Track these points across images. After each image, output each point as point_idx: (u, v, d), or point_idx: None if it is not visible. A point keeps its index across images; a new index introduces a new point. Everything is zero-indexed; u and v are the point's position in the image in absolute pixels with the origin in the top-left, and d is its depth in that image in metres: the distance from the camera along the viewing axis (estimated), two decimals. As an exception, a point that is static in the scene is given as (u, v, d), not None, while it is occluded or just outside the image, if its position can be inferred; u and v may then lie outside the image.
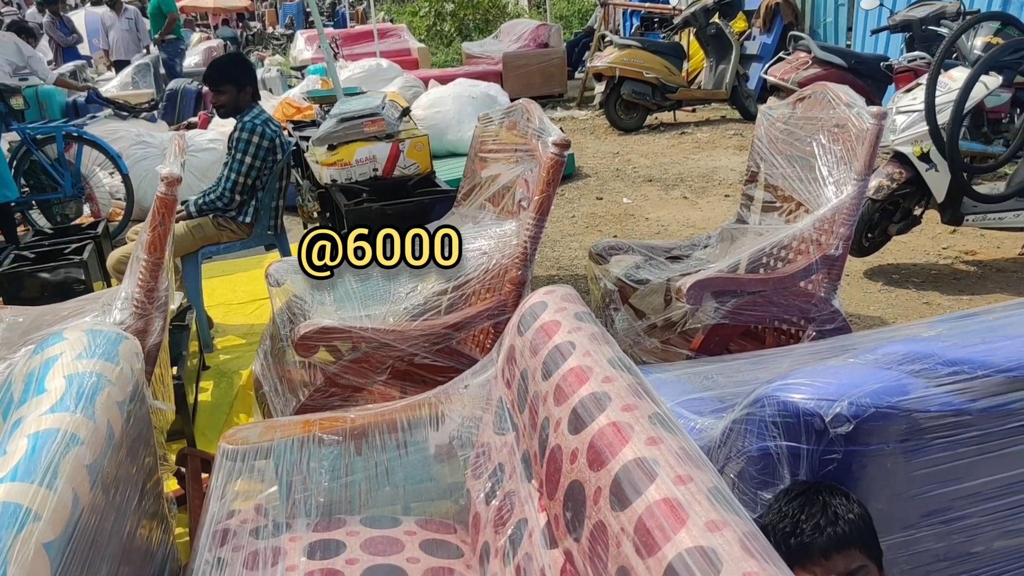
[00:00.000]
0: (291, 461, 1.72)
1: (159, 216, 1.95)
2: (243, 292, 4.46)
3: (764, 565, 0.89)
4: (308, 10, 9.77)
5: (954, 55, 4.48)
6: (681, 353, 2.48)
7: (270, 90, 8.93)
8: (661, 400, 1.25)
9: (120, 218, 5.68)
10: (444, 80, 7.94)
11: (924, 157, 3.96)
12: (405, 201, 3.30)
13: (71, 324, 2.17)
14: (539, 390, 1.43)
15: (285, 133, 4.33)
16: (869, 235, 4.19)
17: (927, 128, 3.86)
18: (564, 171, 2.17)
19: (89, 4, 14.40)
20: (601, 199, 6.02)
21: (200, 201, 3.65)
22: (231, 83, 3.61)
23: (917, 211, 4.21)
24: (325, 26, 12.50)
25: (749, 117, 8.19)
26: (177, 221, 3.53)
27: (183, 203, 3.68)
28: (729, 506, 1.00)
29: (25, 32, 7.77)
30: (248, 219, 3.70)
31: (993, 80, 4.10)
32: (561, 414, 1.32)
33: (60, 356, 1.49)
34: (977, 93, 3.97)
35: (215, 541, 1.65)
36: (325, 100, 4.79)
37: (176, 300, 3.04)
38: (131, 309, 1.93)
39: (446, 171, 5.06)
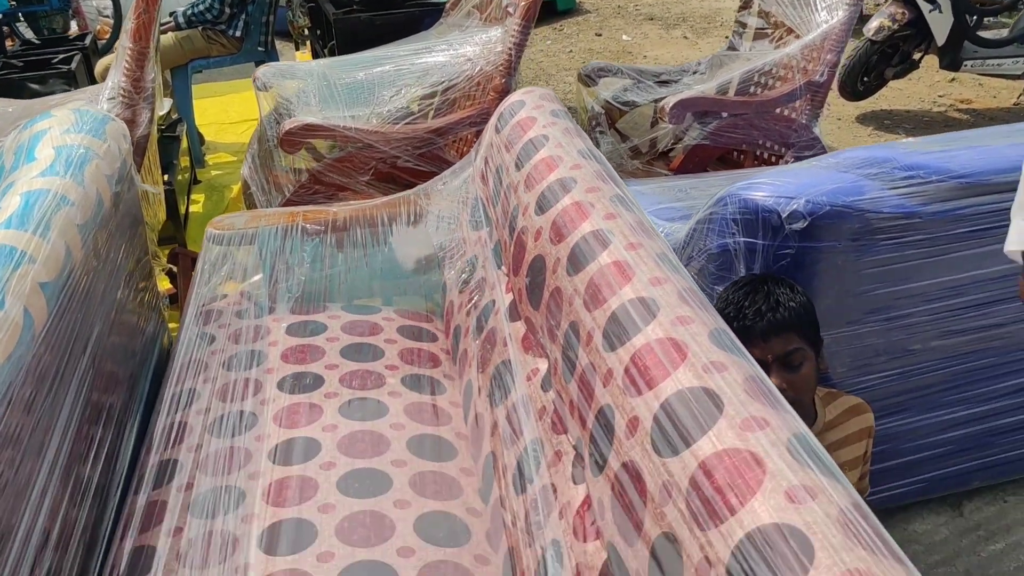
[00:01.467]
0: (274, 249, 1.80)
1: (143, 4, 1.94)
2: (235, 112, 4.45)
3: (698, 312, 0.98)
4: None
5: None
6: (662, 174, 2.54)
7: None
8: (624, 184, 1.31)
9: (108, 36, 5.56)
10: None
11: (928, -3, 3.89)
12: (394, 12, 3.24)
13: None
14: (511, 181, 1.49)
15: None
16: (865, 79, 4.16)
17: (933, -34, 3.77)
18: (564, 5, 2.15)
19: None
20: (600, 35, 5.90)
21: (189, 12, 3.59)
22: None
23: (916, 55, 4.16)
24: None
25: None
26: (165, 32, 3.49)
27: (171, 14, 3.62)
28: (673, 268, 1.07)
29: None
30: (238, 33, 3.64)
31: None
32: (530, 199, 1.38)
33: (48, 130, 1.54)
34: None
35: (202, 319, 1.75)
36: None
37: (166, 106, 3.05)
38: (118, 98, 1.96)
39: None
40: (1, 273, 1.09)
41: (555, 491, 1.10)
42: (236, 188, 3.56)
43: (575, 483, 1.07)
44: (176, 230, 2.96)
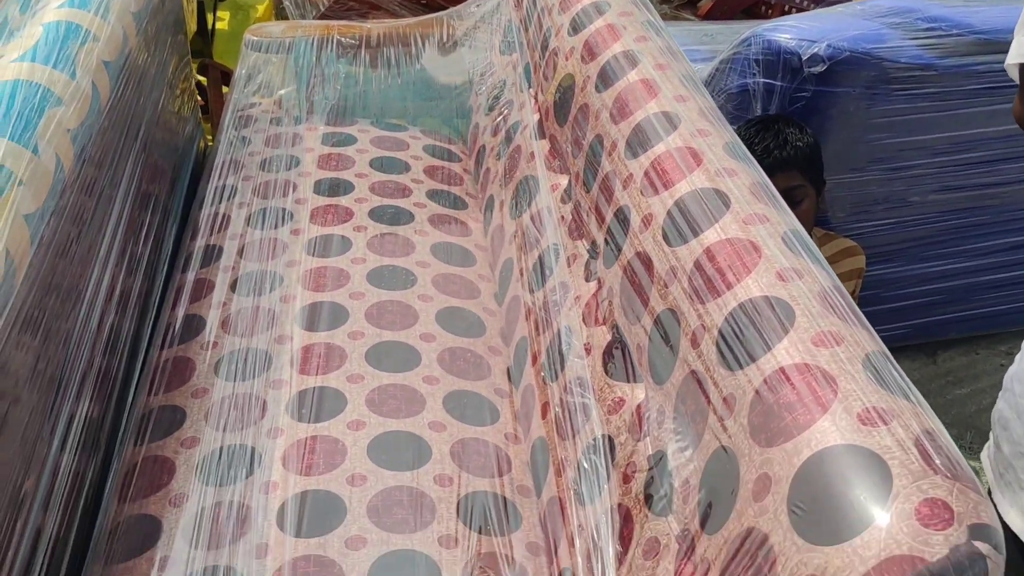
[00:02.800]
0: (309, 60, 1.86)
1: None
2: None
3: (716, 126, 1.06)
4: None
5: None
6: (690, 20, 2.55)
7: None
8: (655, 11, 1.36)
9: None
10: None
11: None
12: None
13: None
14: (546, 3, 1.54)
15: None
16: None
17: None
18: None
19: None
20: None
21: None
22: None
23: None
24: None
25: None
26: None
27: None
28: (696, 89, 1.15)
29: None
30: None
31: None
32: (564, 20, 1.43)
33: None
34: None
35: (241, 123, 1.84)
36: None
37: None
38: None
39: None
40: (71, 47, 1.17)
41: (565, 288, 1.22)
42: (262, 8, 3.54)
43: (587, 281, 1.19)
44: (204, 44, 2.99)
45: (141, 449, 1.15)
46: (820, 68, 1.51)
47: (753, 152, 1.49)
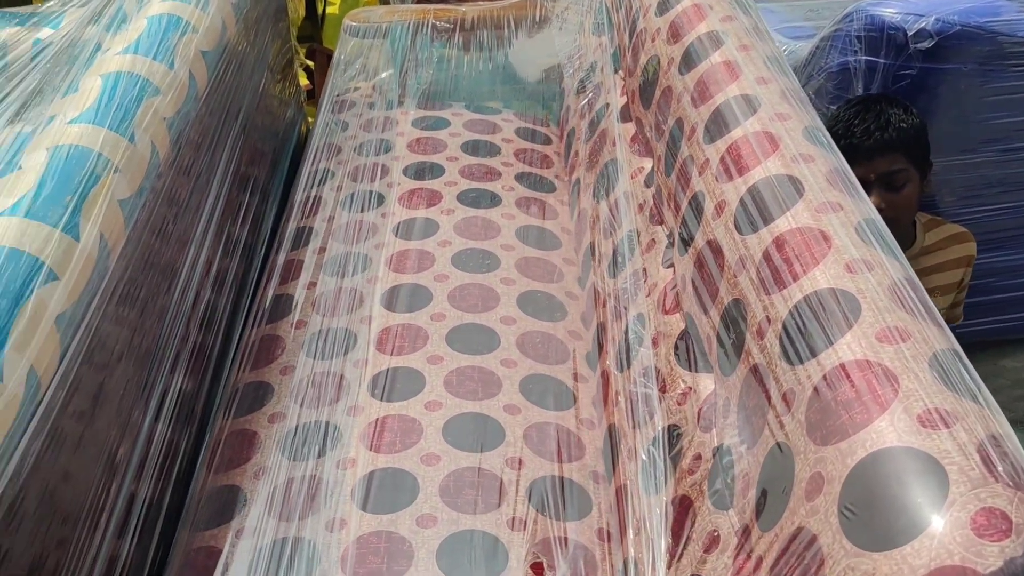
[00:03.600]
0: (405, 44, 1.90)
1: None
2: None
3: (797, 110, 1.03)
4: None
5: None
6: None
7: None
8: (746, -11, 1.32)
9: None
10: None
11: None
12: None
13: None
14: (636, -16, 1.51)
15: None
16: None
17: None
18: None
19: None
20: None
21: None
22: None
23: None
24: None
25: None
26: None
27: None
28: (781, 70, 1.11)
29: None
30: None
31: None
32: (651, 1, 1.41)
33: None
34: None
35: (337, 108, 1.89)
36: None
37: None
38: None
39: None
40: (172, 38, 1.23)
41: (645, 274, 1.20)
42: (371, -8, 3.62)
43: (664, 267, 1.17)
44: (314, 29, 3.08)
45: (229, 423, 1.21)
46: (927, 44, 1.43)
47: (852, 134, 1.44)
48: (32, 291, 0.80)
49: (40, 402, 0.79)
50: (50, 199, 0.89)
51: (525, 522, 1.06)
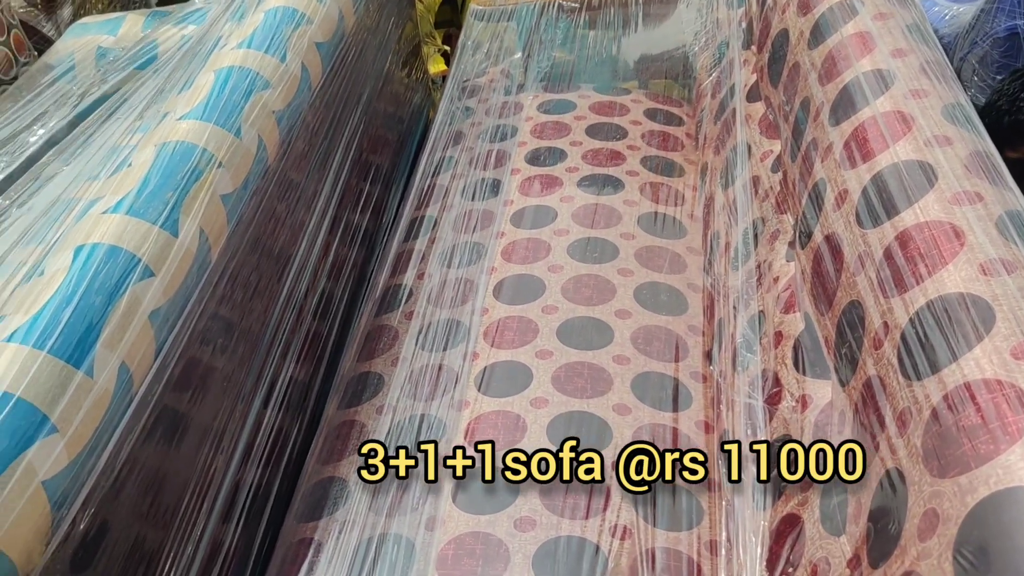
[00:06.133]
0: (530, 26, 1.85)
1: None
2: None
3: (937, 85, 0.91)
4: None
5: None
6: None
7: None
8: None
9: None
10: None
11: None
12: None
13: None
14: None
15: None
16: None
17: None
18: None
19: None
20: None
21: None
22: None
23: None
24: None
25: None
26: None
27: None
28: (922, 39, 0.99)
29: None
30: None
31: None
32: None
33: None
34: None
35: (462, 93, 1.87)
36: None
37: None
38: None
39: None
40: (285, 31, 1.24)
41: (761, 269, 1.11)
42: (511, -27, 3.58)
43: (786, 260, 1.08)
44: (453, 13, 3.08)
45: (340, 412, 1.22)
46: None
47: (1018, 109, 1.27)
48: (127, 288, 0.82)
49: (134, 396, 0.81)
50: (152, 196, 0.91)
51: (629, 530, 1.00)
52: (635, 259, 1.39)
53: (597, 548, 0.99)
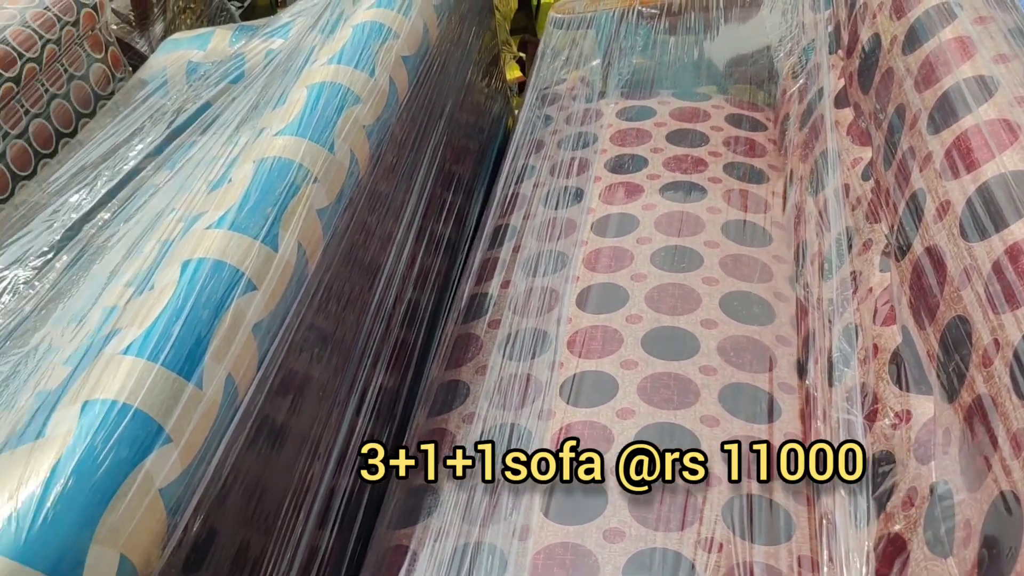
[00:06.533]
0: (610, 33, 1.85)
1: None
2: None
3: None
4: None
5: None
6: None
7: None
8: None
9: None
10: None
11: None
12: None
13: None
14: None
15: None
16: None
17: None
18: None
19: None
20: None
21: None
22: None
23: None
24: None
25: None
26: None
27: None
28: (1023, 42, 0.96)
29: None
30: None
31: None
32: (875, -28, 1.27)
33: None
34: None
35: (541, 101, 1.88)
36: None
37: None
38: None
39: None
40: (373, 46, 1.27)
41: (857, 279, 1.09)
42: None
43: (880, 271, 1.05)
44: (527, 20, 3.10)
45: (425, 421, 1.24)
46: None
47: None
48: (232, 301, 0.85)
49: (239, 406, 0.84)
50: (252, 211, 0.94)
51: (722, 543, 0.99)
52: (720, 268, 1.38)
53: (692, 565, 0.98)
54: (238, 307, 0.85)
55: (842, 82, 1.37)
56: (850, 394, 0.94)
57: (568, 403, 1.18)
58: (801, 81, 1.55)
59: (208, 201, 0.98)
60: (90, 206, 1.54)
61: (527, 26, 3.14)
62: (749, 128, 1.74)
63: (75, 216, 1.53)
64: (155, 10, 2.46)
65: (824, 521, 0.92)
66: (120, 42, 2.29)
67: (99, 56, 2.09)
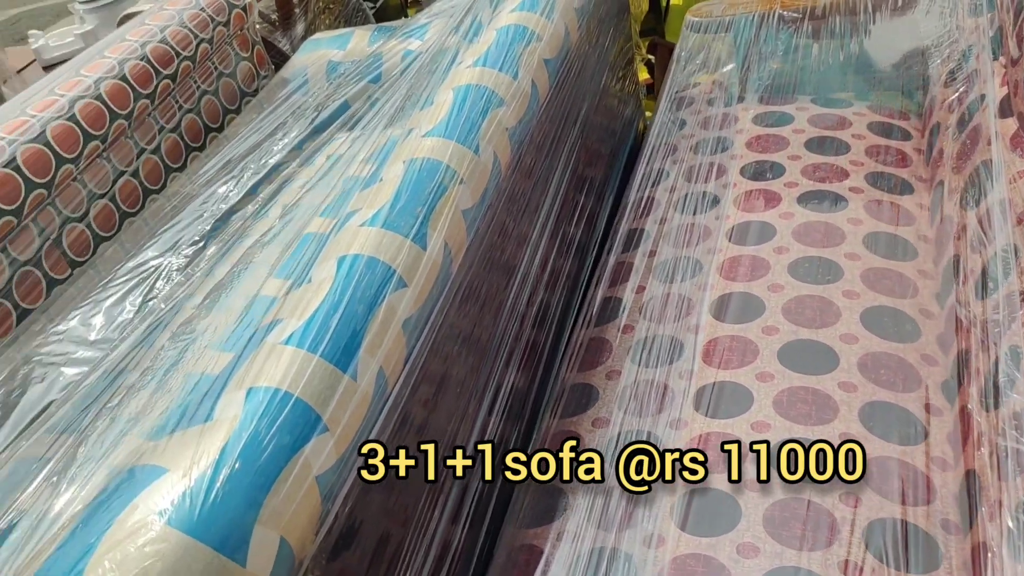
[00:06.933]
0: (748, 37, 1.81)
1: None
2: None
3: None
4: None
5: None
6: None
7: None
8: None
9: None
10: None
11: None
12: None
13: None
14: (1028, -45, 1.30)
15: None
16: None
17: None
18: None
19: None
20: None
21: None
22: None
23: None
24: None
25: None
26: None
27: None
28: None
29: None
30: None
31: None
32: (1047, -25, 1.20)
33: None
34: None
35: (675, 105, 1.86)
36: None
37: None
38: None
39: None
40: (517, 49, 1.28)
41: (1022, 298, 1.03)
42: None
43: (1048, 292, 1.00)
44: (656, 22, 3.07)
45: (555, 423, 1.25)
46: None
47: None
48: (384, 297, 0.88)
49: (387, 399, 0.86)
50: (403, 210, 0.97)
51: (863, 569, 0.96)
52: (861, 281, 1.33)
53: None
54: (390, 303, 0.88)
55: (1005, 90, 1.30)
56: (1019, 421, 0.89)
57: (702, 413, 1.16)
58: (961, 88, 1.48)
59: (361, 199, 1.01)
60: (237, 198, 1.62)
61: (656, 28, 3.11)
62: (894, 137, 1.68)
63: (223, 207, 1.61)
64: (297, 11, 2.55)
65: (985, 548, 0.87)
66: (264, 41, 2.39)
67: (246, 55, 2.19)
